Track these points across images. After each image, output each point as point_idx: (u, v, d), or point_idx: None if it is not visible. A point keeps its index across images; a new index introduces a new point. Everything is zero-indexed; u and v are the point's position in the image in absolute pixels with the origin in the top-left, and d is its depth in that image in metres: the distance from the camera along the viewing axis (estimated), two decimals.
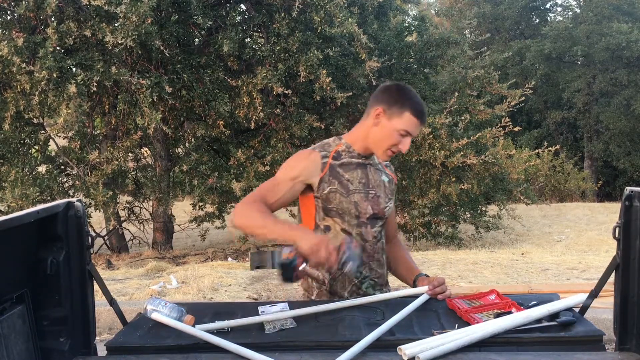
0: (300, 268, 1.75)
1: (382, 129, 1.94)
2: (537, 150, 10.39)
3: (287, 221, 2.02)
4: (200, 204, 8.72)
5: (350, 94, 7.60)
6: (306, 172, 1.97)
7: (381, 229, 2.06)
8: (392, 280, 2.16)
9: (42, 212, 1.55)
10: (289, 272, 1.74)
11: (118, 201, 8.72)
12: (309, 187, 1.99)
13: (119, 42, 6.49)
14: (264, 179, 8.23)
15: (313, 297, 2.06)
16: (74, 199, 1.68)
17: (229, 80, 7.48)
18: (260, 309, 1.86)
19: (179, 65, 7.45)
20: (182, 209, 11.11)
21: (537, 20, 23.36)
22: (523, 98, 9.52)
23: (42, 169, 8.28)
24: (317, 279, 2.02)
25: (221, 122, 7.77)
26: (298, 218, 2.09)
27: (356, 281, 2.01)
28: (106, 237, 9.40)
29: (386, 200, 2.05)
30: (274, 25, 7.44)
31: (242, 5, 8.57)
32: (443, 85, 10.55)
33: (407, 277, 2.11)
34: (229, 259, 8.09)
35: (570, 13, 24.04)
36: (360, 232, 1.99)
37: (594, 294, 1.69)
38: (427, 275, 2.06)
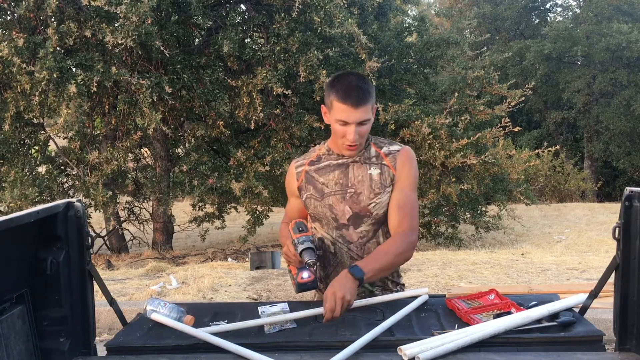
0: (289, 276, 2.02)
1: (331, 126, 1.95)
2: (537, 151, 10.39)
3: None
4: (200, 204, 8.72)
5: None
6: (289, 186, 2.08)
7: (372, 228, 1.96)
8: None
9: (42, 212, 1.55)
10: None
11: (118, 201, 8.73)
12: None
13: (119, 42, 6.49)
14: (264, 179, 8.26)
15: (315, 299, 2.08)
16: (73, 199, 1.68)
17: (229, 80, 7.49)
18: (260, 309, 1.86)
19: (179, 66, 7.45)
20: (182, 210, 11.12)
21: (537, 21, 23.36)
22: (523, 98, 9.51)
23: (41, 169, 8.29)
24: (317, 277, 2.06)
25: (221, 122, 7.77)
26: None
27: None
28: (106, 238, 9.40)
29: (371, 196, 1.93)
30: (274, 26, 7.44)
31: (242, 6, 8.57)
32: (443, 86, 10.55)
33: None
34: (229, 259, 8.09)
35: (570, 13, 24.05)
36: (342, 234, 1.97)
37: (594, 294, 1.69)
38: (353, 274, 1.76)
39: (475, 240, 9.83)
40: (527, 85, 9.67)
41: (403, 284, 2.09)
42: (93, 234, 1.71)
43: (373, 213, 1.94)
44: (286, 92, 7.33)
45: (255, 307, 1.87)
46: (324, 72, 7.23)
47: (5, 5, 7.15)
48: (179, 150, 9.76)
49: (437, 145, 8.11)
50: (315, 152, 2.05)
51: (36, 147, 8.83)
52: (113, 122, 8.24)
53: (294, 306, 1.87)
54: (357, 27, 7.21)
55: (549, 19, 23.48)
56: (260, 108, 7.35)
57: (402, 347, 1.46)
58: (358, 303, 1.84)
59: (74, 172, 8.36)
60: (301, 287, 1.90)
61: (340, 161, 1.98)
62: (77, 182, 8.12)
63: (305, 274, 1.88)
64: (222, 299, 5.08)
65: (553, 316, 1.65)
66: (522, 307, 1.72)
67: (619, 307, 1.55)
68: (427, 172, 8.55)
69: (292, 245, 1.88)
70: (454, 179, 8.41)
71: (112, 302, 1.80)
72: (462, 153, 8.16)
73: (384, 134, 8.47)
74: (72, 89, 6.48)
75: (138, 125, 7.54)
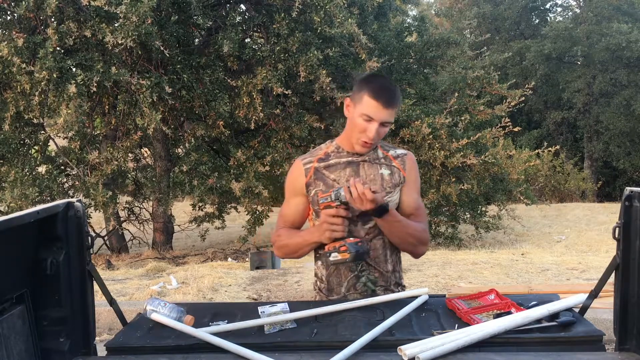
0: (332, 256, 1.86)
1: (350, 119, 1.96)
2: (537, 151, 10.42)
3: (302, 230, 2.06)
4: (200, 204, 8.72)
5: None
6: (295, 184, 2.04)
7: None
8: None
9: (42, 212, 1.54)
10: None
11: (118, 201, 8.72)
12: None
13: (119, 42, 6.49)
14: (264, 179, 8.28)
15: (314, 294, 2.09)
16: (74, 200, 1.67)
17: (228, 80, 7.49)
18: (260, 309, 1.85)
19: (179, 66, 7.45)
20: (182, 210, 11.12)
21: (537, 21, 23.37)
22: (523, 98, 9.52)
23: (41, 169, 8.28)
24: (317, 274, 2.07)
25: (221, 122, 7.77)
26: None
27: (352, 275, 1.99)
28: (106, 238, 9.40)
29: (383, 194, 1.94)
30: (274, 26, 7.44)
31: (242, 6, 8.57)
32: (443, 86, 10.55)
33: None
34: (229, 259, 8.09)
35: (570, 13, 24.08)
36: (350, 230, 1.96)
37: (594, 294, 1.69)
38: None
39: (475, 240, 9.83)
40: (527, 85, 9.68)
41: (404, 285, 2.10)
42: (93, 234, 1.71)
43: None
44: (286, 92, 7.33)
45: (255, 307, 1.87)
46: (323, 72, 7.23)
47: (5, 5, 7.15)
48: (179, 150, 9.76)
49: (437, 145, 8.11)
50: (323, 150, 2.05)
51: (36, 147, 8.83)
52: (113, 122, 8.24)
53: (294, 306, 1.87)
54: (357, 27, 7.21)
55: (549, 19, 23.49)
56: (260, 108, 7.35)
57: (402, 347, 1.46)
58: (358, 303, 1.84)
59: (74, 172, 8.36)
60: (355, 247, 1.80)
61: (350, 159, 2.01)
62: (77, 182, 8.11)
63: (351, 238, 1.84)
64: (222, 299, 5.08)
65: (553, 316, 1.65)
66: (522, 307, 1.72)
67: (619, 307, 1.55)
68: (427, 172, 8.55)
69: (328, 204, 1.84)
70: (454, 179, 8.41)
71: (112, 302, 1.80)
72: (462, 153, 8.16)
73: None
74: (72, 89, 6.48)
75: (138, 125, 7.54)
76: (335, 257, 1.85)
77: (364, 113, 1.89)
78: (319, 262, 2.05)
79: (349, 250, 1.81)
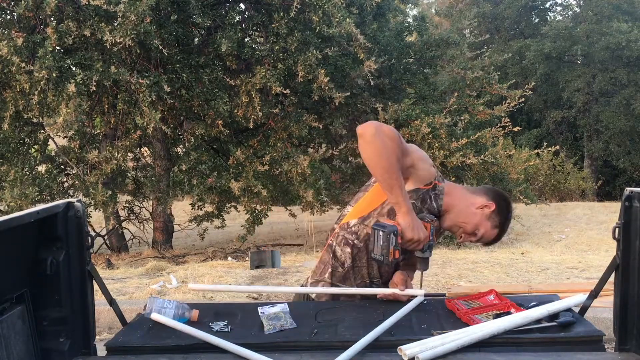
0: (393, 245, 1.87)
1: (476, 217, 2.06)
2: (536, 150, 10.40)
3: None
4: (200, 203, 8.71)
5: (349, 93, 7.59)
6: (426, 171, 2.01)
7: None
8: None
9: (42, 212, 1.54)
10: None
11: (118, 201, 8.72)
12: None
13: (118, 41, 6.49)
14: (263, 178, 8.27)
15: (325, 276, 2.01)
16: (74, 199, 1.67)
17: (227, 79, 7.48)
18: (260, 309, 1.85)
19: (178, 65, 7.45)
20: (181, 209, 11.10)
21: (537, 20, 23.36)
22: (523, 99, 9.50)
23: (41, 168, 8.28)
24: (339, 258, 2.00)
25: (220, 121, 7.77)
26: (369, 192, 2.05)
27: (367, 281, 2.01)
28: (106, 237, 9.40)
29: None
30: (273, 25, 7.44)
31: (241, 5, 8.56)
32: (443, 86, 10.53)
33: None
34: (229, 258, 8.09)
35: (570, 12, 24.06)
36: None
37: (594, 294, 1.69)
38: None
39: None
40: (527, 85, 9.66)
41: None
42: (93, 234, 1.71)
43: None
44: (285, 92, 7.32)
45: (255, 307, 1.87)
46: (322, 71, 7.22)
47: (5, 4, 7.15)
48: (179, 149, 9.75)
49: (436, 145, 8.10)
50: (434, 182, 2.07)
51: (36, 147, 8.82)
52: (112, 121, 8.23)
53: (293, 306, 1.87)
54: (354, 27, 7.19)
55: (548, 18, 23.49)
56: (259, 107, 7.35)
57: (402, 347, 1.46)
58: (354, 291, 1.85)
59: (73, 172, 8.36)
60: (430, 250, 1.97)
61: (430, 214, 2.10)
62: (76, 182, 8.11)
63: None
64: (222, 299, 5.08)
65: (553, 316, 1.65)
66: (521, 308, 1.72)
67: (619, 307, 1.55)
68: None
69: (427, 223, 1.93)
70: (453, 179, 8.40)
71: (112, 302, 1.80)
72: (461, 152, 8.15)
73: None
74: (72, 88, 6.48)
75: (137, 124, 7.53)
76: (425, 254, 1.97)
77: (483, 233, 2.07)
78: (347, 249, 1.98)
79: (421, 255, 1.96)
